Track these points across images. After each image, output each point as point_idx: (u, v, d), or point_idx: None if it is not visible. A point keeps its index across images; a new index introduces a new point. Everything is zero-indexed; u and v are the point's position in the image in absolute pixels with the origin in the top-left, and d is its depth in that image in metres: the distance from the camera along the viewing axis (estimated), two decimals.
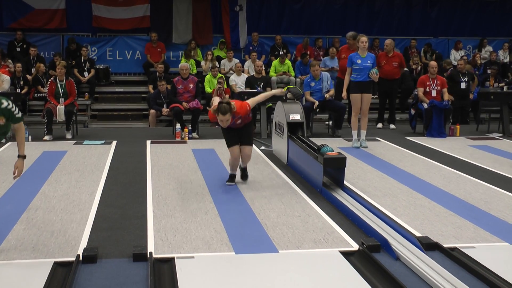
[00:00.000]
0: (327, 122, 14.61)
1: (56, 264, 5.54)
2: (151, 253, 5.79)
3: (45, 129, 12.77)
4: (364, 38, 11.77)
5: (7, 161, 10.00)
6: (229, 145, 8.87)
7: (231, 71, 17.91)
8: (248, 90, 14.47)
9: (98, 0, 19.30)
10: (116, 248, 6.06)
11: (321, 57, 19.15)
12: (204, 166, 10.03)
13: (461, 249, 6.03)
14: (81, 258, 5.68)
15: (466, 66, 16.85)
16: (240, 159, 9.00)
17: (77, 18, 19.53)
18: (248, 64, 18.18)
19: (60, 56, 17.33)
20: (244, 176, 9.15)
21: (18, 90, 15.91)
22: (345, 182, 8.52)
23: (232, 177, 9.02)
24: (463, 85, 15.95)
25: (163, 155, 10.98)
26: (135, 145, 12.10)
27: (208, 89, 16.78)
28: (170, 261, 5.68)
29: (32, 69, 17.09)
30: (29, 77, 16.78)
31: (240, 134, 8.84)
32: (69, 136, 13.05)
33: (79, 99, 15.05)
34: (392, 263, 5.76)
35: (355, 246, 6.14)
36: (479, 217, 7.25)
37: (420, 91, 13.88)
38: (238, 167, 9.07)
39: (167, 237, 6.35)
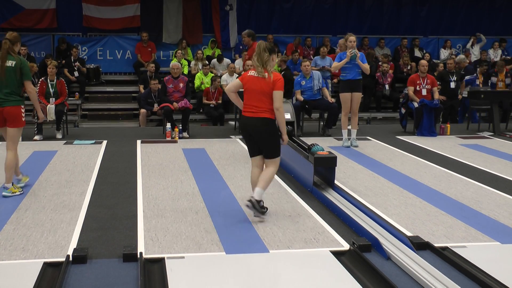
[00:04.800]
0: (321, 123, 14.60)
1: (46, 265, 5.51)
2: (141, 253, 5.77)
3: (35, 129, 12.73)
4: (352, 38, 11.76)
5: None
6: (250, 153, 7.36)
7: (223, 71, 17.98)
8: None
9: (88, 0, 19.27)
10: (106, 249, 6.04)
11: (311, 56, 19.17)
12: (195, 166, 10.01)
13: (452, 249, 6.03)
14: (71, 258, 5.65)
15: (458, 57, 16.92)
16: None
17: (68, 18, 19.53)
18: (238, 62, 18.20)
19: (51, 57, 17.25)
20: (257, 209, 7.04)
21: None
22: (335, 182, 8.52)
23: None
24: (452, 85, 16.00)
25: (154, 155, 10.95)
26: (126, 144, 12.07)
27: (198, 83, 16.88)
28: (160, 261, 5.66)
29: None
30: None
31: (260, 139, 7.12)
32: (59, 136, 13.01)
33: (69, 98, 15.01)
34: (383, 262, 5.76)
35: (346, 246, 6.14)
36: (470, 216, 7.26)
37: (410, 90, 13.89)
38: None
39: (158, 237, 6.32)
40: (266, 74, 6.96)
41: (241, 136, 13.15)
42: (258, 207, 6.96)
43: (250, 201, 6.95)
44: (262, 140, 7.07)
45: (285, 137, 7.22)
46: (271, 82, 6.93)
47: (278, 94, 6.94)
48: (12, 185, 8.03)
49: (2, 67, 7.97)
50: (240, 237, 6.40)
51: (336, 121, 13.87)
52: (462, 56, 18.77)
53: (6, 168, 8.03)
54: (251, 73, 7.07)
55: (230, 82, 7.32)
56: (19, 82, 8.08)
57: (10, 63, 8.03)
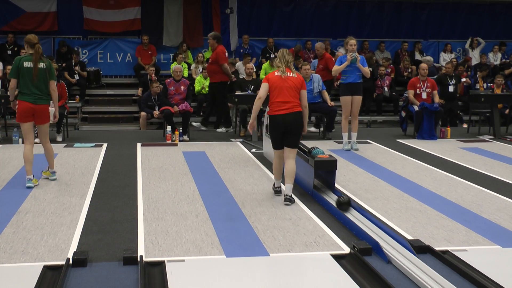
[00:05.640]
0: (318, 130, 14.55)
1: (46, 268, 5.50)
2: (141, 256, 5.76)
3: (36, 131, 12.69)
4: (352, 41, 11.76)
5: None
6: (273, 145, 8.23)
7: None
8: (239, 93, 14.45)
9: (89, 3, 19.30)
10: (106, 252, 6.03)
11: (311, 59, 19.15)
12: (195, 169, 10.01)
13: (453, 252, 6.03)
14: (71, 261, 5.64)
15: (424, 58, 16.94)
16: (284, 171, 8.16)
17: (68, 20, 19.52)
18: (239, 65, 18.20)
19: (53, 59, 17.24)
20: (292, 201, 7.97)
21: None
22: (336, 185, 8.51)
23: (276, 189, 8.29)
24: (451, 88, 16.02)
25: (154, 158, 10.94)
26: (126, 147, 12.06)
27: (198, 87, 16.87)
28: (160, 265, 5.65)
29: None
30: None
31: (295, 131, 7.94)
32: (59, 138, 13.00)
33: (69, 101, 15.00)
34: (383, 266, 5.75)
35: (346, 249, 6.13)
36: (470, 220, 7.25)
37: (410, 93, 13.89)
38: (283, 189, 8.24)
39: (158, 241, 6.32)
40: (290, 73, 7.95)
41: (241, 140, 13.15)
42: (293, 200, 7.94)
43: (287, 200, 7.85)
44: (296, 131, 7.94)
45: (306, 128, 8.22)
46: (300, 80, 7.96)
47: (305, 93, 8.02)
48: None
49: (35, 69, 8.67)
50: (240, 240, 6.40)
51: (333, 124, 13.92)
52: (428, 57, 18.76)
53: (48, 157, 9.15)
54: (277, 73, 7.99)
55: (261, 89, 8.11)
56: (48, 82, 8.85)
57: (41, 65, 8.78)
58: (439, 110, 13.68)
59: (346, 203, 7.50)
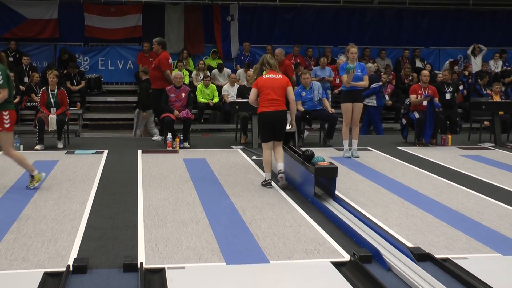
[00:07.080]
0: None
1: (46, 275, 5.49)
2: (141, 263, 5.76)
3: (37, 138, 12.73)
4: (353, 49, 11.76)
5: None
6: (263, 139, 9.44)
7: (224, 82, 18.01)
8: (240, 100, 14.47)
9: (90, 10, 19.36)
10: (106, 259, 6.02)
11: (312, 66, 19.17)
12: (196, 176, 10.01)
13: (454, 260, 6.01)
14: (71, 268, 5.63)
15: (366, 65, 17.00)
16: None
17: (70, 28, 19.58)
18: (239, 72, 18.24)
19: (53, 67, 17.26)
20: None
21: None
22: (336, 192, 8.51)
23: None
24: (447, 96, 16.00)
25: (155, 165, 10.95)
26: (127, 154, 12.07)
27: (200, 99, 16.83)
28: (160, 272, 5.64)
29: (25, 78, 17.13)
30: (22, 87, 16.77)
31: (280, 127, 9.26)
32: (60, 145, 13.00)
33: (70, 108, 15.02)
34: (384, 274, 5.74)
35: (346, 257, 6.12)
36: (471, 227, 7.24)
37: (412, 98, 13.85)
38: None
39: (158, 248, 6.32)
40: (276, 74, 9.34)
41: (241, 147, 13.16)
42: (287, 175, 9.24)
43: (281, 173, 9.13)
44: (281, 127, 9.26)
45: (293, 122, 9.71)
46: (285, 80, 9.36)
47: (291, 89, 9.36)
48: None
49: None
50: (240, 247, 6.40)
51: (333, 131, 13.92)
52: (369, 64, 18.71)
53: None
54: (265, 76, 9.32)
55: (251, 94, 9.51)
56: None
57: None
58: (441, 117, 13.63)
59: (311, 156, 8.66)
